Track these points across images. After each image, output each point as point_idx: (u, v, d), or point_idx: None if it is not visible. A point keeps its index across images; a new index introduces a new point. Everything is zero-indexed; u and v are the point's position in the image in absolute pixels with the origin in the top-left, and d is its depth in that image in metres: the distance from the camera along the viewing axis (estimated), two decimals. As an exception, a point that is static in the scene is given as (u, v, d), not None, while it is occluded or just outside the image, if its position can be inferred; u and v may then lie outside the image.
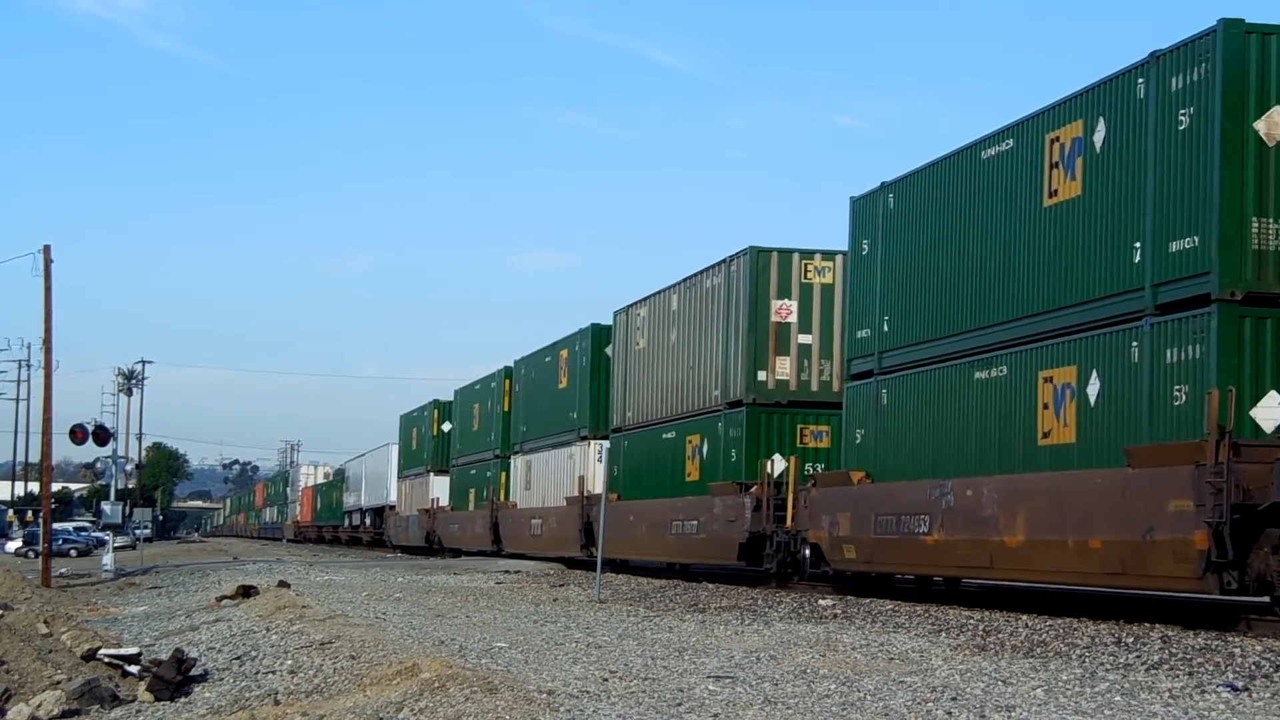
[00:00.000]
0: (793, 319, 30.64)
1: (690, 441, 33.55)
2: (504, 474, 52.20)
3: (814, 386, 30.54)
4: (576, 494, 41.08)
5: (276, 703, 13.76)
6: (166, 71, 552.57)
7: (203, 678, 16.35)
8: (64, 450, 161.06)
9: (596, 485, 39.19)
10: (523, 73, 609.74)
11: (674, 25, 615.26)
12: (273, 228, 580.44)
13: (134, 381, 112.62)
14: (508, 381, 53.06)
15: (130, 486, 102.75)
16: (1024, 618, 19.75)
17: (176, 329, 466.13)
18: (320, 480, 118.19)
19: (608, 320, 41.73)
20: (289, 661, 16.47)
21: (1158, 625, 18.22)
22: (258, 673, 16.17)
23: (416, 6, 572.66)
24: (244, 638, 19.92)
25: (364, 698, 12.89)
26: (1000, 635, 17.32)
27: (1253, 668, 13.72)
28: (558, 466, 44.09)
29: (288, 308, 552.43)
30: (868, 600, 24.47)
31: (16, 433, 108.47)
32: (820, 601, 24.12)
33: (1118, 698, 11.73)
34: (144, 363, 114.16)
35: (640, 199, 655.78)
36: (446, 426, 64.36)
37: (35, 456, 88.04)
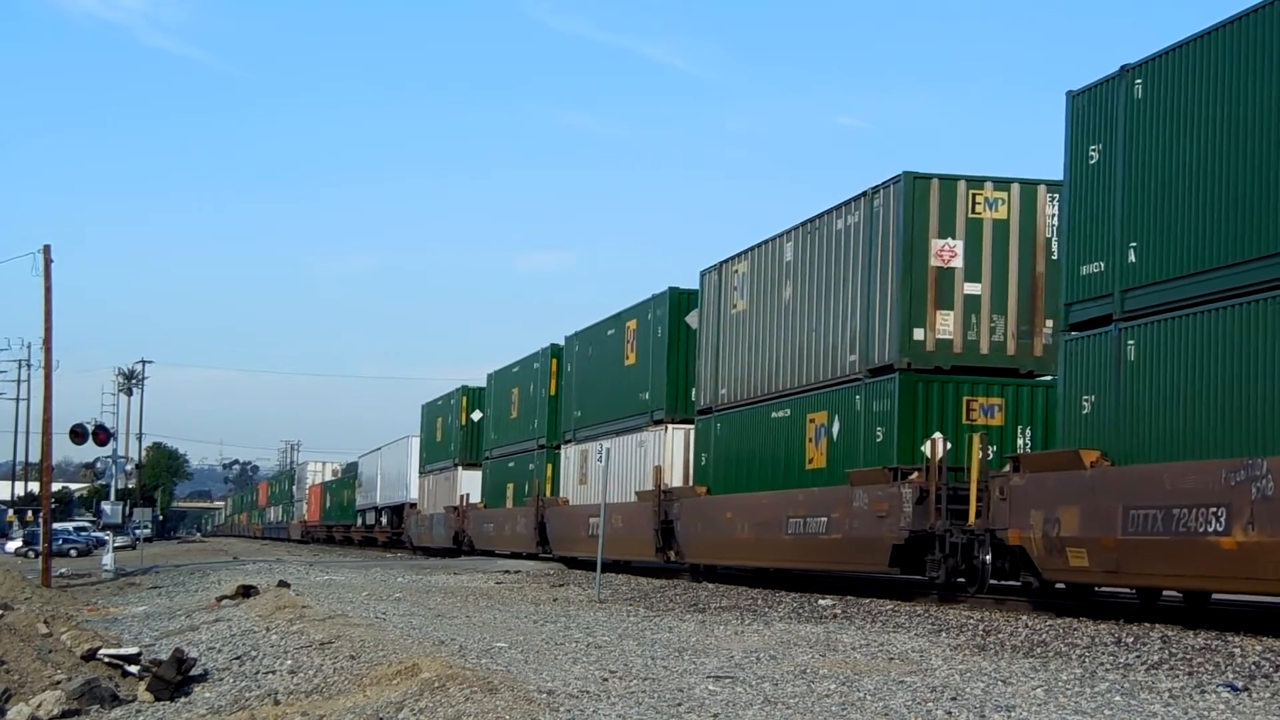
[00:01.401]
0: (957, 263, 24.79)
1: (813, 420, 27.43)
2: (550, 466, 46.08)
3: (984, 348, 24.80)
4: (651, 488, 35.47)
5: (276, 703, 13.76)
6: (167, 71, 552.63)
7: (203, 678, 16.36)
8: (64, 450, 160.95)
9: (675, 477, 34.78)
10: (523, 72, 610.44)
11: (675, 25, 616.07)
12: (273, 228, 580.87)
13: (134, 381, 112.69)
14: (554, 362, 46.79)
15: (130, 486, 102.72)
16: (1024, 618, 19.76)
17: (176, 329, 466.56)
18: (329, 477, 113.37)
19: (689, 283, 35.72)
20: (289, 661, 16.48)
21: (1158, 625, 18.23)
22: (258, 673, 16.18)
23: (417, 6, 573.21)
24: (244, 638, 19.93)
25: (364, 698, 12.90)
26: (1000, 635, 17.33)
27: (1253, 668, 13.73)
28: (624, 456, 37.94)
29: (288, 308, 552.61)
30: (867, 600, 24.43)
31: (16, 433, 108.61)
32: (820, 601, 24.12)
33: (1118, 698, 11.73)
34: (144, 363, 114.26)
35: (640, 199, 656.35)
36: (476, 415, 58.45)
37: (35, 456, 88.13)
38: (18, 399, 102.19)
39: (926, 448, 23.98)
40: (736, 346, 31.66)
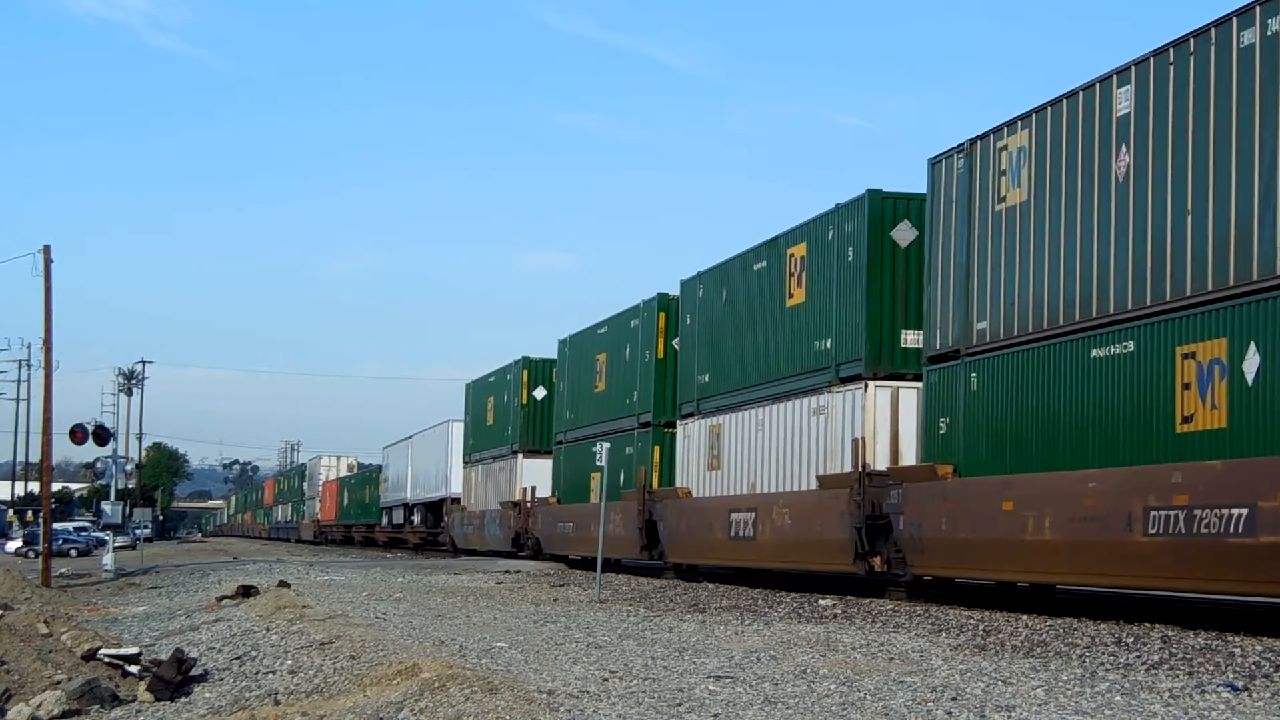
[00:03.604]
0: None
1: (1191, 355, 17.79)
2: (658, 450, 36.57)
3: None
4: (845, 469, 25.57)
5: (276, 703, 13.77)
6: (168, 71, 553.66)
7: (203, 678, 16.37)
8: (64, 450, 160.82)
9: (880, 453, 25.21)
10: (524, 72, 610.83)
11: (676, 24, 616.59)
12: (273, 227, 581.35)
13: (134, 381, 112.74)
14: (663, 316, 36.92)
15: (130, 486, 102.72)
16: (1024, 618, 19.74)
17: (177, 329, 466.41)
18: (344, 473, 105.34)
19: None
20: (289, 661, 16.48)
21: (1158, 625, 18.20)
22: (258, 673, 16.19)
23: (419, 6, 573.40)
24: (244, 638, 19.93)
25: (364, 698, 12.90)
26: (1000, 635, 17.32)
27: (1253, 668, 13.73)
28: (790, 429, 28.49)
29: (288, 308, 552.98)
30: (867, 600, 24.39)
31: (16, 433, 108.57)
32: (820, 601, 24.08)
33: (1118, 698, 11.73)
34: (144, 363, 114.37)
35: (640, 199, 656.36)
36: (540, 393, 49.43)
37: (35, 456, 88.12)
38: (18, 399, 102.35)
39: None
40: (1008, 257, 21.96)
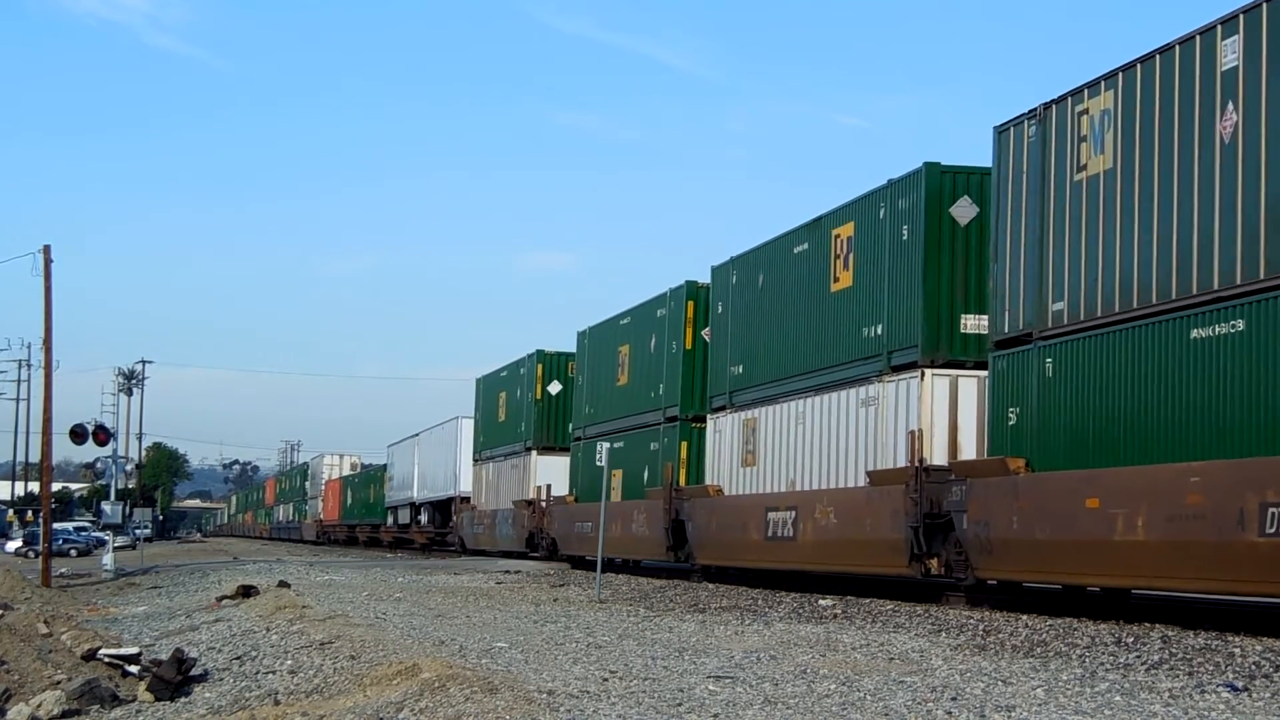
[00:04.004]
0: None
1: None
2: (685, 446, 34.71)
3: None
4: (899, 464, 23.80)
5: (276, 703, 13.77)
6: (168, 71, 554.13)
7: (203, 678, 16.37)
8: (64, 450, 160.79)
9: (937, 448, 23.35)
10: (524, 72, 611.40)
11: (676, 24, 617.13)
12: (273, 227, 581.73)
13: (134, 381, 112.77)
14: (691, 305, 35.12)
15: (130, 486, 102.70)
16: (1024, 618, 19.74)
17: (177, 329, 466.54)
18: (348, 472, 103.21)
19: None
20: (289, 661, 16.48)
21: (1158, 625, 18.21)
22: (258, 673, 16.19)
23: (419, 6, 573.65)
24: (244, 638, 19.94)
25: (364, 698, 12.90)
26: (1000, 635, 17.32)
27: (1253, 668, 13.73)
28: (831, 423, 26.71)
29: (288, 308, 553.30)
30: (867, 600, 24.40)
31: (16, 433, 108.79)
32: (820, 601, 24.09)
33: (1118, 698, 11.73)
34: (144, 363, 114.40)
35: (640, 199, 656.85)
36: (555, 388, 47.88)
37: (35, 456, 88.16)
38: (18, 399, 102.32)
39: None
40: (1090, 231, 19.85)
